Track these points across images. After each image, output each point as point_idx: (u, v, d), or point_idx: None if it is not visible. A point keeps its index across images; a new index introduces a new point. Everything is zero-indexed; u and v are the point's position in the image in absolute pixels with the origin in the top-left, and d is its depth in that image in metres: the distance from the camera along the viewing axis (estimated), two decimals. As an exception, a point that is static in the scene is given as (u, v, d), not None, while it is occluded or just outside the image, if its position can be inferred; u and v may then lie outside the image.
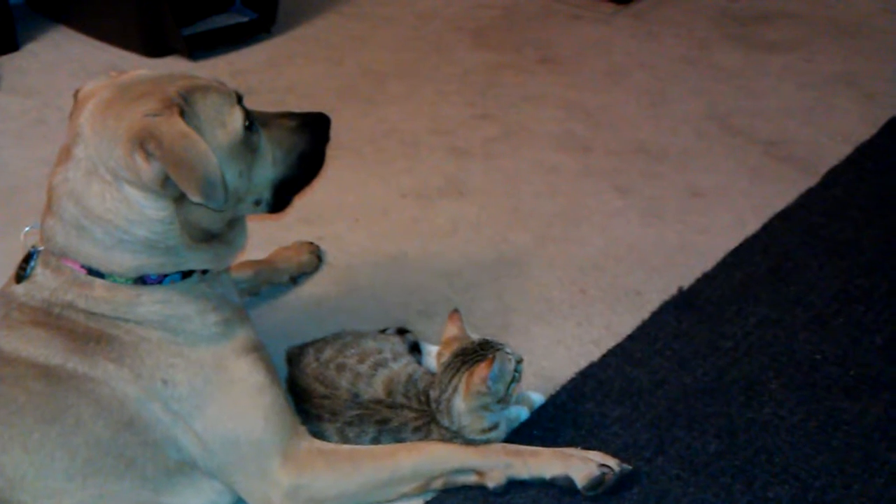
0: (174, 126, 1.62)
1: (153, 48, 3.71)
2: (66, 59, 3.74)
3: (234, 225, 1.87)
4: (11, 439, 1.65)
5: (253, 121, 1.81)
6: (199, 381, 1.75)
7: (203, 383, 1.75)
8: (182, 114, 1.65)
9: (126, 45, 3.77)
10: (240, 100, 1.80)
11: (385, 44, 3.93)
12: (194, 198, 1.64)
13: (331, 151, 2.01)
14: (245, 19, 3.92)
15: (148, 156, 1.61)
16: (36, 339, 1.70)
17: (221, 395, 1.76)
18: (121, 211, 1.68)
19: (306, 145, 1.93)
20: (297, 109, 2.04)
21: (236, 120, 1.75)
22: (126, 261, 1.72)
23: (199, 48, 3.73)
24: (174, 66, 3.63)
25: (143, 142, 1.61)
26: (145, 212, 1.69)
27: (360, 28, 4.07)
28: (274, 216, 2.00)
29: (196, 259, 1.79)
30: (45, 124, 3.27)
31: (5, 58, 3.71)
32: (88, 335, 1.72)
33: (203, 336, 1.79)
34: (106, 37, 3.83)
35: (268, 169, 1.86)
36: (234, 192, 1.78)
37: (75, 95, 1.79)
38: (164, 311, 1.76)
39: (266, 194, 1.88)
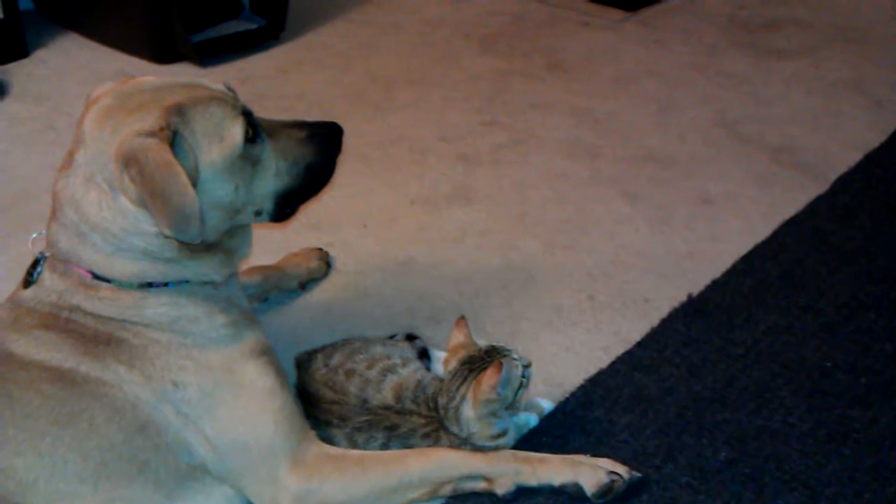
0: (158, 154, 1.60)
1: (163, 55, 3.73)
2: (75, 65, 3.75)
3: (236, 233, 1.86)
4: (24, 442, 1.64)
5: (259, 132, 1.80)
6: (208, 383, 1.75)
7: (212, 386, 1.75)
8: (175, 134, 1.64)
9: (136, 52, 3.78)
10: (246, 112, 1.78)
11: (393, 50, 3.94)
12: (165, 230, 1.63)
13: (339, 158, 2.00)
14: (254, 26, 3.93)
15: (131, 179, 1.62)
16: (47, 342, 1.70)
17: (231, 398, 1.76)
18: (116, 221, 1.68)
19: (314, 157, 1.91)
20: (306, 116, 2.03)
21: (236, 133, 1.73)
22: (127, 268, 1.73)
23: (208, 55, 3.74)
24: (183, 72, 3.65)
25: (128, 164, 1.61)
26: (139, 224, 1.69)
27: (368, 35, 4.09)
28: (279, 225, 1.99)
29: (198, 268, 1.79)
30: (55, 130, 3.28)
31: (15, 64, 3.72)
32: (98, 338, 1.72)
33: (212, 338, 1.79)
34: (116, 43, 3.85)
35: (269, 181, 1.84)
36: (230, 204, 1.77)
37: (87, 100, 1.79)
38: (171, 313, 1.76)
39: (267, 205, 1.86)
